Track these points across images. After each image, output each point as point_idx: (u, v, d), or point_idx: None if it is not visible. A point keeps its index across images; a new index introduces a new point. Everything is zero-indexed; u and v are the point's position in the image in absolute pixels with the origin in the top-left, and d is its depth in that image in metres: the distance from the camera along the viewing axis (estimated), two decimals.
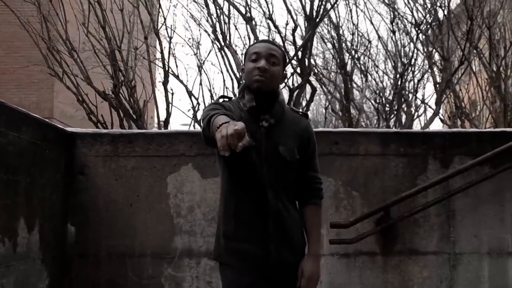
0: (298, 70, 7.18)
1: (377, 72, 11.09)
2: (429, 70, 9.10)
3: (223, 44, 7.86)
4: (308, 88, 7.73)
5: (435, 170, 4.21)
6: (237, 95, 2.47)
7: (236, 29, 8.43)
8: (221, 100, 2.44)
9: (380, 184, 4.20)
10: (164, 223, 4.16)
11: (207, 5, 8.29)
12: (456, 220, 4.17)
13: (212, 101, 2.58)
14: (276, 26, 7.81)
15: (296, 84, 7.44)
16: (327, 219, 4.14)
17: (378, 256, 4.16)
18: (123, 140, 4.22)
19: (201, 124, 2.20)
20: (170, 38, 7.35)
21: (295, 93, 7.07)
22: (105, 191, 4.18)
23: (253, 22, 7.78)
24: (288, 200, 2.38)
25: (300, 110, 2.56)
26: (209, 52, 11.76)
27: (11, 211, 3.26)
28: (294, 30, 7.19)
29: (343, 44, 9.65)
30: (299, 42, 7.50)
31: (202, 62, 8.19)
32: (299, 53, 7.00)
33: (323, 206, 4.08)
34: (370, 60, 10.69)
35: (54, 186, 3.89)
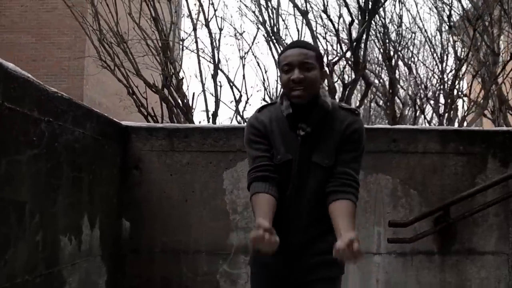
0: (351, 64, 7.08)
1: (420, 64, 10.91)
2: (474, 64, 8.94)
3: (272, 36, 7.74)
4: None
5: (494, 169, 4.14)
6: (278, 101, 2.38)
7: (283, 20, 8.28)
8: (263, 110, 2.38)
9: (439, 183, 4.14)
10: (220, 219, 4.12)
11: None
12: None
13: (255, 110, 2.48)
14: (330, 20, 7.67)
15: (349, 79, 7.37)
16: (385, 217, 4.10)
17: (435, 256, 4.11)
18: (179, 134, 4.17)
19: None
20: (221, 29, 7.22)
21: (349, 88, 6.95)
22: (160, 187, 4.14)
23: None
24: (320, 213, 2.23)
25: (350, 107, 2.41)
26: (252, 43, 11.40)
27: (76, 208, 3.23)
28: (350, 24, 7.03)
29: (387, 36, 9.49)
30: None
31: (245, 53, 8.06)
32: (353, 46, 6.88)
33: (381, 203, 4.10)
34: (414, 53, 10.50)
35: (112, 181, 3.86)
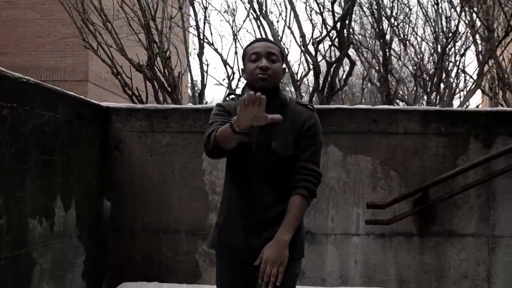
0: (336, 42, 6.97)
1: (416, 39, 10.72)
2: (472, 40, 8.75)
3: (259, 14, 7.69)
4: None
5: (476, 150, 4.09)
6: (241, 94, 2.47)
7: None
8: (230, 97, 2.50)
9: (419, 164, 4.11)
10: (199, 199, 4.15)
11: None
12: (497, 202, 4.07)
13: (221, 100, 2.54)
14: None
15: (334, 58, 7.27)
16: (364, 198, 4.10)
17: (414, 237, 4.10)
18: (159, 115, 4.19)
19: (205, 133, 2.31)
20: (205, 8, 7.16)
21: (333, 66, 6.88)
22: (140, 167, 4.17)
23: None
24: (277, 195, 2.32)
25: (306, 103, 2.50)
26: (245, 20, 11.30)
27: (48, 191, 3.27)
28: (333, 2, 6.95)
29: (382, 12, 9.32)
30: (337, 12, 7.28)
31: (237, 30, 8.03)
32: (338, 25, 6.78)
33: (360, 184, 4.08)
34: (409, 27, 10.31)
35: (89, 163, 3.89)
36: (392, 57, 10.23)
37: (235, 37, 8.03)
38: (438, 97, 9.10)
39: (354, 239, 4.12)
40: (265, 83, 2.30)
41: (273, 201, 2.30)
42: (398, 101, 10.45)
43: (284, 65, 2.50)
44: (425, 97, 9.63)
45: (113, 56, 6.23)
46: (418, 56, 10.43)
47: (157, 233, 4.16)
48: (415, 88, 9.95)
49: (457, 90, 9.93)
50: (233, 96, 2.52)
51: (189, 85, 6.26)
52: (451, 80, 9.14)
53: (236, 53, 7.87)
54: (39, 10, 10.71)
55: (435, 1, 9.20)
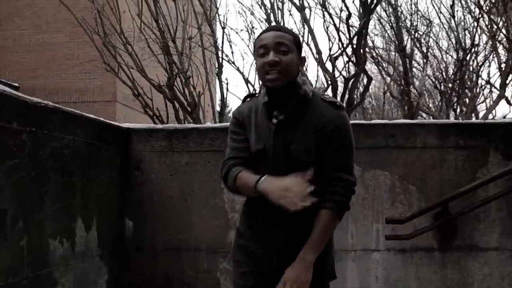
0: (353, 59, 7.00)
1: (439, 51, 10.63)
2: (493, 51, 8.66)
3: None
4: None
5: (496, 163, 4.04)
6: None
7: (291, 14, 8.14)
8: (247, 100, 2.32)
9: (438, 178, 4.08)
10: (219, 217, 4.19)
11: None
12: None
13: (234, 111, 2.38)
14: (329, 14, 7.61)
15: (351, 73, 7.27)
16: (383, 213, 4.08)
17: (435, 252, 4.06)
18: (178, 135, 4.26)
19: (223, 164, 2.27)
20: (223, 28, 7.27)
21: (350, 82, 6.88)
22: (160, 186, 4.24)
23: (307, 11, 7.60)
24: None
25: (333, 99, 2.19)
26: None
27: (68, 212, 3.36)
28: (348, 18, 6.98)
29: (402, 24, 9.29)
30: (354, 29, 7.30)
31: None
32: (354, 40, 6.81)
33: (379, 199, 4.06)
34: (430, 39, 10.21)
35: (110, 183, 3.97)
36: (414, 69, 10.17)
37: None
38: (460, 108, 9.00)
39: (375, 255, 4.10)
40: (276, 83, 2.07)
41: (300, 215, 1.97)
42: (424, 114, 10.37)
43: (303, 54, 2.23)
44: (446, 109, 9.53)
45: (134, 78, 6.37)
46: (441, 68, 10.37)
47: (178, 251, 4.21)
48: (439, 100, 9.85)
49: (480, 99, 9.81)
50: (249, 99, 2.32)
51: (210, 104, 6.33)
52: (472, 91, 9.03)
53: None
54: (67, 33, 11.00)
55: (451, 14, 9.15)
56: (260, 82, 2.35)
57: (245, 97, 2.34)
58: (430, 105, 12.30)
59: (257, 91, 2.27)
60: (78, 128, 3.49)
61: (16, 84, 12.37)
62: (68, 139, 3.34)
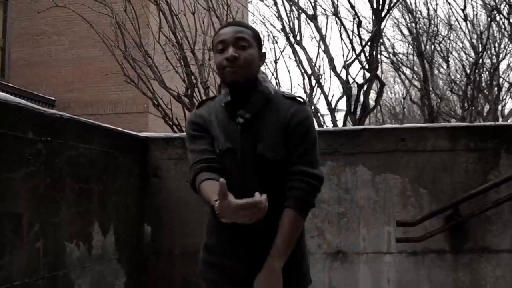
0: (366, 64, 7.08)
1: (458, 54, 10.56)
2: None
3: (293, 41, 7.89)
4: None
5: (508, 165, 4.05)
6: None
7: (308, 23, 8.25)
8: (202, 105, 2.24)
9: (449, 181, 4.10)
10: None
11: (275, 4, 8.39)
12: None
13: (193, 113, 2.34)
14: (341, 22, 7.70)
15: (363, 79, 7.35)
16: (394, 217, 4.12)
17: (447, 254, 4.08)
18: None
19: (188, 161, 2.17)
20: None
21: (365, 87, 6.96)
22: (178, 193, 4.39)
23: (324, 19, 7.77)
24: (279, 208, 1.99)
25: (294, 95, 2.15)
26: (284, 48, 11.45)
27: (85, 217, 3.54)
28: (358, 25, 7.05)
29: (420, 29, 9.27)
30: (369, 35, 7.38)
31: (277, 58, 8.23)
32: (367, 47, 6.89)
33: (390, 203, 4.11)
34: (449, 42, 10.14)
35: (128, 190, 4.15)
36: (435, 72, 10.10)
37: (275, 64, 8.23)
38: (482, 109, 8.93)
39: (386, 258, 4.15)
40: (235, 78, 2.00)
41: (274, 216, 1.92)
42: (450, 118, 10.30)
43: (263, 50, 2.16)
44: (469, 112, 9.44)
45: (153, 89, 6.59)
46: (459, 71, 10.30)
47: (194, 255, 4.32)
48: (459, 103, 9.77)
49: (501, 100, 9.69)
50: (205, 102, 2.25)
51: None
52: (490, 93, 8.94)
53: (276, 79, 8.08)
54: (101, 47, 11.37)
55: (463, 18, 9.09)
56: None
57: (200, 103, 2.29)
58: (457, 108, 12.16)
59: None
60: (94, 137, 3.67)
61: (53, 98, 12.82)
62: (84, 148, 3.53)
